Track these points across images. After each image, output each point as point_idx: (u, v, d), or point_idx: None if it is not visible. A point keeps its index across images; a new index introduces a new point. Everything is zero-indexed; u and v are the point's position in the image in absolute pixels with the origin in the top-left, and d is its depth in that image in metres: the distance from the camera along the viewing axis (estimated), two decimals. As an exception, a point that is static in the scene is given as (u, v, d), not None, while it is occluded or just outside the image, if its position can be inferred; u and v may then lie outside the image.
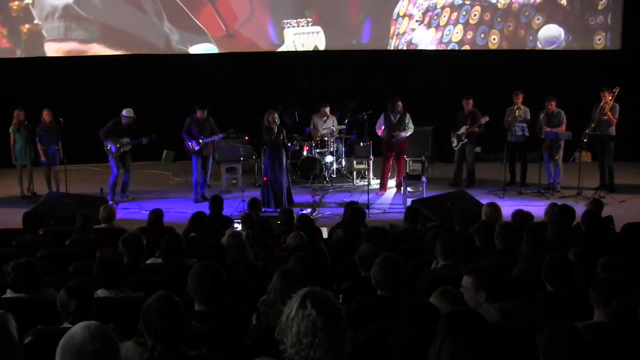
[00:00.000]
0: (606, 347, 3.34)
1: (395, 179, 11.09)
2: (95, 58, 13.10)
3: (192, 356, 2.82)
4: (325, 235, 7.16)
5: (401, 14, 13.42)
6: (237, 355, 3.36)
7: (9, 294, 4.22)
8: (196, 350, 2.84)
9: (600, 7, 13.09)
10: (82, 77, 12.87)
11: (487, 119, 10.91)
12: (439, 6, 13.32)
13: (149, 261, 5.28)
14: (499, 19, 13.29)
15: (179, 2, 13.12)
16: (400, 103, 10.78)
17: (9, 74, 12.73)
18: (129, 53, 13.21)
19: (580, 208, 7.52)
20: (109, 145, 10.31)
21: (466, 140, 11.08)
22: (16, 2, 12.99)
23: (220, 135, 10.55)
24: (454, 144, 11.23)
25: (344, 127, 12.12)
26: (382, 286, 4.04)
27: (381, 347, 3.24)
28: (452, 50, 13.34)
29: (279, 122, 9.90)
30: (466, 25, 13.33)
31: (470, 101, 11.14)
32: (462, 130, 11.05)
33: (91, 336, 2.18)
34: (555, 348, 2.83)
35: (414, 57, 13.39)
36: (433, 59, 13.33)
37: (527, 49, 13.21)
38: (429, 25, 13.41)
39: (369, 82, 13.22)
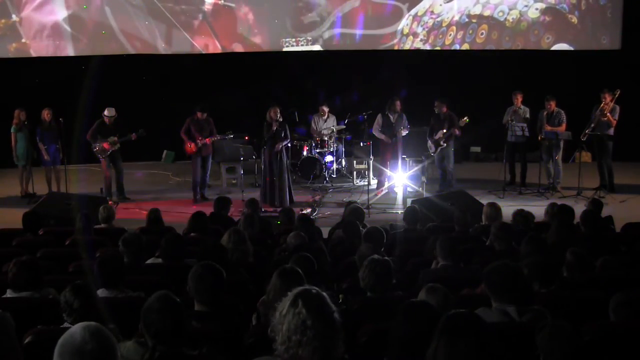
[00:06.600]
0: (607, 348, 3.34)
1: (387, 179, 11.02)
2: (94, 58, 13.06)
3: (193, 356, 2.82)
4: (325, 235, 7.15)
5: (405, 32, 13.17)
6: (237, 355, 3.36)
7: (9, 294, 4.21)
8: (196, 350, 2.84)
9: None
10: (81, 77, 12.84)
11: (466, 120, 10.55)
12: (444, 24, 13.02)
13: (149, 261, 5.27)
14: (507, 38, 12.90)
15: (174, 22, 12.98)
16: (399, 102, 10.73)
17: (7, 74, 12.71)
18: (128, 53, 13.18)
19: (580, 208, 7.51)
20: (98, 146, 10.26)
21: (445, 144, 10.73)
22: (2, 20, 12.74)
23: (218, 137, 10.57)
24: (431, 150, 10.83)
25: (343, 126, 12.10)
26: (372, 289, 4.02)
27: (381, 347, 3.24)
28: (453, 50, 13.28)
29: (280, 119, 9.88)
30: (472, 44, 13.00)
31: (445, 105, 10.76)
32: (440, 134, 10.71)
33: (91, 335, 2.19)
34: (555, 348, 2.83)
35: (414, 57, 13.37)
36: (433, 59, 13.30)
37: (528, 49, 13.12)
38: (433, 45, 13.16)
39: (369, 82, 13.20)
